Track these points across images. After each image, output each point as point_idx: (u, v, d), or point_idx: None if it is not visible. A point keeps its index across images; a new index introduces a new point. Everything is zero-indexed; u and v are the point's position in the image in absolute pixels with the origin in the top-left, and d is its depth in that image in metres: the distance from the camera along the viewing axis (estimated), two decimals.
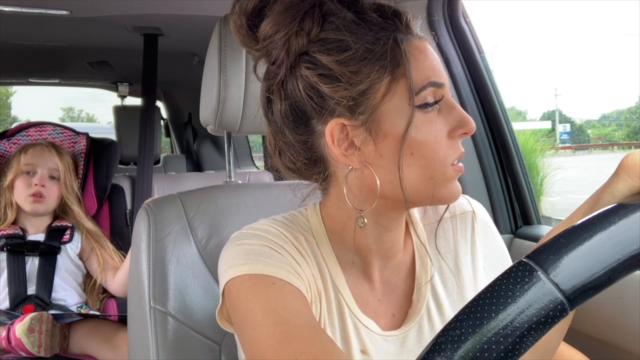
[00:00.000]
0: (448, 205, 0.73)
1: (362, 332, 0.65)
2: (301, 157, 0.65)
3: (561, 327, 0.57)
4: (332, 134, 0.61)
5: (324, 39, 0.60)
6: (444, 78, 0.62)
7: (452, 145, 0.61)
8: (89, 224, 1.71)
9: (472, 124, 0.62)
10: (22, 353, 1.36)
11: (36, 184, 1.62)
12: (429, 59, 0.61)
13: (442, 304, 0.69)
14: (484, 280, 0.72)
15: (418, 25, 0.64)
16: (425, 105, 0.60)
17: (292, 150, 0.65)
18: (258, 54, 0.65)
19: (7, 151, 1.78)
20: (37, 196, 1.62)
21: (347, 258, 0.68)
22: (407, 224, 0.73)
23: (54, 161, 1.67)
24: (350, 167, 0.62)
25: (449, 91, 0.63)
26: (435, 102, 0.60)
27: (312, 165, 0.66)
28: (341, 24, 0.60)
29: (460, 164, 0.63)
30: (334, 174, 0.66)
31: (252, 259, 0.61)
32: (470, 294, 0.71)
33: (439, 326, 0.68)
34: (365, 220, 0.64)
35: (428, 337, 0.67)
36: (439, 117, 0.61)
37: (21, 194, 1.63)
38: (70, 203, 1.70)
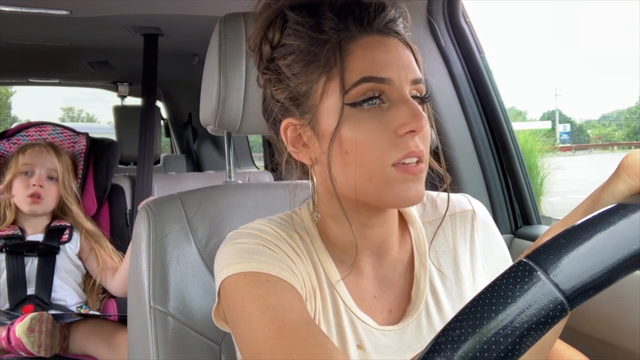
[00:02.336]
0: (448, 205, 0.73)
1: (358, 327, 0.65)
2: (282, 152, 0.70)
3: (558, 325, 0.57)
4: (285, 132, 0.66)
5: (283, 44, 0.64)
6: (391, 73, 0.59)
7: (397, 144, 0.58)
8: (88, 224, 1.71)
9: (420, 121, 0.58)
10: (22, 353, 1.36)
11: (34, 185, 1.62)
12: (371, 54, 0.60)
13: (441, 301, 0.69)
14: (483, 279, 0.73)
15: (384, 19, 0.62)
16: (360, 103, 0.59)
17: (275, 145, 0.71)
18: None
19: (7, 151, 1.78)
20: (35, 197, 1.61)
21: (338, 255, 0.68)
22: (405, 221, 0.73)
23: (52, 161, 1.67)
24: (311, 164, 0.66)
25: (403, 87, 0.60)
26: (372, 99, 0.59)
27: (289, 159, 0.70)
28: (292, 30, 0.63)
29: (411, 165, 0.59)
30: (310, 172, 0.69)
31: (246, 258, 0.62)
32: (468, 293, 0.71)
33: (437, 323, 0.68)
34: (319, 214, 0.67)
35: (426, 334, 0.67)
36: (382, 115, 0.59)
37: (19, 195, 1.62)
38: (69, 203, 1.69)
